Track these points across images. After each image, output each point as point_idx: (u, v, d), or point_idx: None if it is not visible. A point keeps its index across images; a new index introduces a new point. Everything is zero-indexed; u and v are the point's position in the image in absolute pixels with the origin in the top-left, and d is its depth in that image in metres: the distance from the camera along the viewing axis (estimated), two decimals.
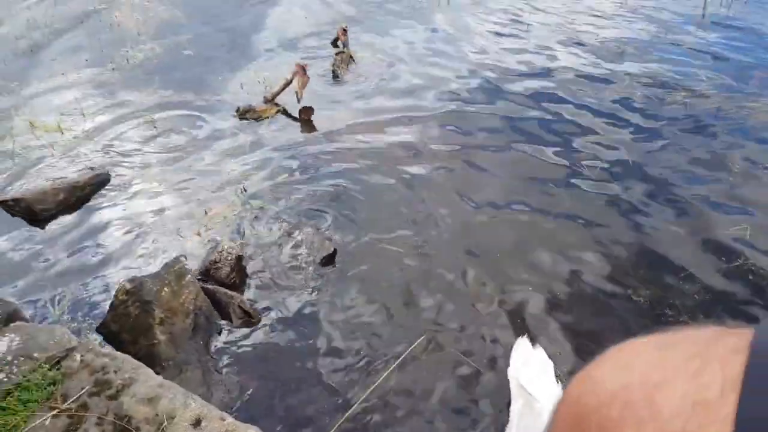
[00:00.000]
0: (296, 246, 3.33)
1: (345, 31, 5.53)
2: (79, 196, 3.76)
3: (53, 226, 3.61)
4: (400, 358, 2.69)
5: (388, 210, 3.63)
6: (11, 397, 2.02)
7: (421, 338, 2.77)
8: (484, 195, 3.71)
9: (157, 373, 2.25)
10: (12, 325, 2.33)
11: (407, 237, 3.39)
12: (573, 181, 3.80)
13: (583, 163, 3.95)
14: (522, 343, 2.49)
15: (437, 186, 3.81)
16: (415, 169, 3.97)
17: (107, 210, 3.71)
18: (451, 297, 3.01)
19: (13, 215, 3.66)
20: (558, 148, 4.11)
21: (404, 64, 5.34)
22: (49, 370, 2.13)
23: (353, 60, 5.34)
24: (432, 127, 4.44)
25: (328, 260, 3.25)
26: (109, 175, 3.99)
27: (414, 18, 6.28)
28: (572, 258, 3.21)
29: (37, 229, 3.58)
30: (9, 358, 2.16)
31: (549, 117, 4.48)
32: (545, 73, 5.10)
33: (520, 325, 2.82)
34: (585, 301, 2.97)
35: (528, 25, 6.03)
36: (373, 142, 4.28)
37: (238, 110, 4.69)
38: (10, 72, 5.50)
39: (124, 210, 3.71)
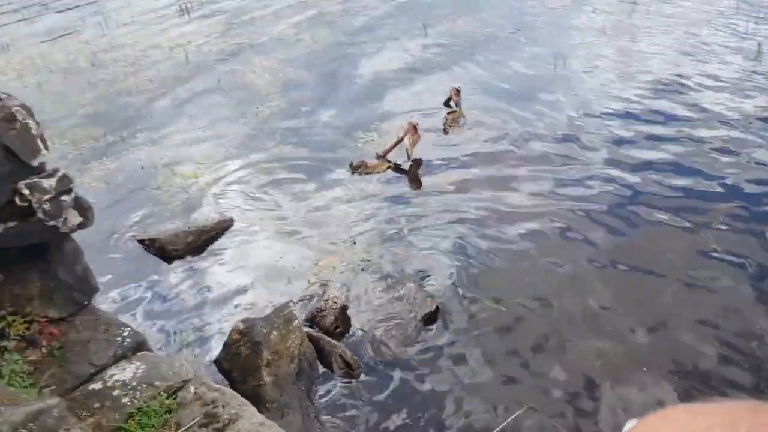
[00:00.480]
0: (399, 300, 3.37)
1: (458, 91, 5.67)
2: (205, 239, 4.11)
3: (181, 265, 3.95)
4: (497, 429, 2.59)
5: (493, 270, 3.59)
6: (132, 420, 2.20)
7: (522, 409, 2.67)
8: (599, 260, 3.56)
9: (261, 413, 2.35)
10: (139, 353, 2.56)
11: (512, 300, 3.32)
12: (711, 254, 3.54)
13: (719, 228, 3.69)
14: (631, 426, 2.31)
15: (546, 248, 3.72)
16: (521, 230, 3.91)
17: (228, 253, 4.00)
18: (556, 367, 2.88)
19: (149, 253, 4.07)
20: (687, 215, 3.88)
21: (515, 125, 5.35)
22: (167, 398, 2.30)
23: (464, 120, 5.45)
24: (542, 186, 4.38)
25: (430, 318, 3.25)
26: (233, 221, 4.32)
27: (530, 84, 6.30)
28: (698, 337, 2.96)
29: (167, 266, 3.93)
30: (134, 383, 2.36)
31: (677, 182, 4.28)
32: (674, 140, 4.89)
33: (630, 404, 2.63)
34: (702, 384, 2.72)
35: (645, 90, 5.83)
36: (481, 201, 4.28)
37: (351, 165, 4.93)
38: (158, 124, 6.20)
39: (244, 254, 3.99)
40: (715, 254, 3.50)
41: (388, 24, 8.99)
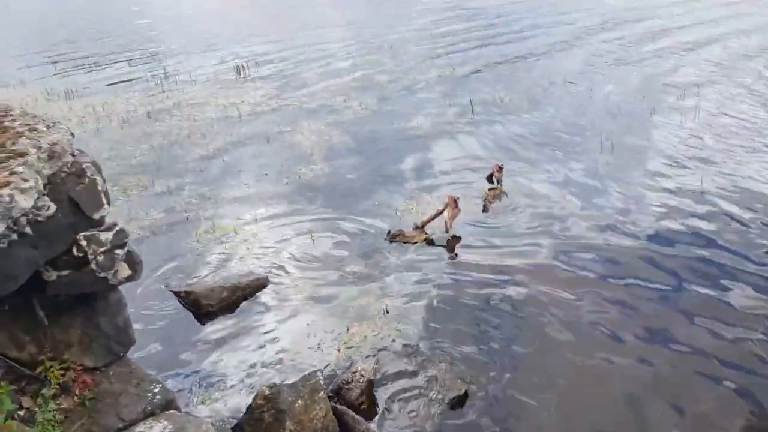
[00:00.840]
0: (428, 380, 3.31)
1: (500, 168, 5.74)
2: (239, 296, 4.15)
3: (212, 320, 3.98)
4: None
5: (528, 358, 3.50)
6: None
7: None
8: (641, 355, 3.45)
9: None
10: (167, 412, 2.55)
11: (545, 391, 3.22)
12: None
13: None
14: None
15: (585, 338, 3.63)
16: (558, 317, 3.83)
17: (261, 313, 4.03)
18: None
19: (183, 305, 4.13)
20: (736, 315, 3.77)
21: (557, 207, 5.35)
22: None
23: (506, 197, 5.48)
24: (581, 271, 4.32)
25: (458, 402, 3.17)
26: (268, 280, 4.36)
27: (573, 163, 6.34)
28: None
29: (199, 322, 3.97)
30: None
31: (724, 268, 4.21)
32: (717, 218, 4.85)
33: None
34: None
35: (697, 169, 5.80)
36: (518, 283, 4.24)
37: (389, 233, 4.97)
38: (206, 178, 6.42)
39: (276, 315, 4.00)
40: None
41: (435, 97, 9.27)
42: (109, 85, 11.12)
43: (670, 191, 5.54)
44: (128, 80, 11.42)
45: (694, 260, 4.39)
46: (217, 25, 20.56)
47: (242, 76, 11.22)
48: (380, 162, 6.72)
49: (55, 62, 13.94)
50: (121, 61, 13.80)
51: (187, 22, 21.57)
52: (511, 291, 4.15)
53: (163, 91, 10.28)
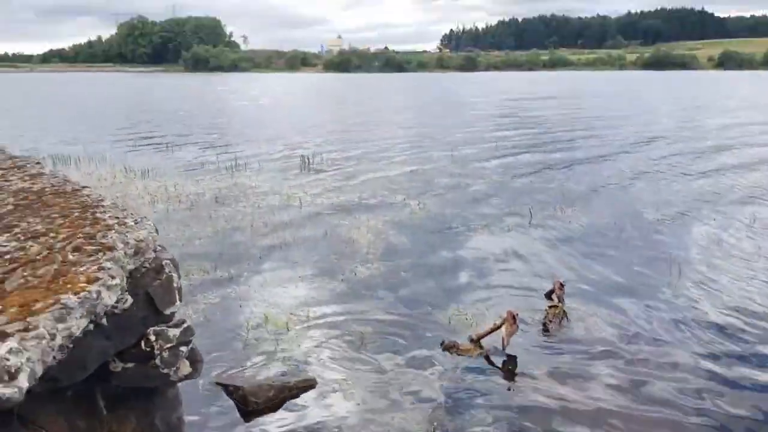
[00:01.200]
0: None
1: (562, 285, 5.57)
2: (285, 397, 4.05)
3: (257, 419, 3.87)
4: None
5: None
6: None
7: None
8: None
9: None
10: None
11: None
12: None
13: None
14: None
15: None
16: None
17: (305, 417, 3.89)
18: None
19: (228, 397, 4.05)
20: None
21: (622, 333, 5.07)
22: None
23: (566, 317, 5.27)
24: (649, 409, 4.01)
25: None
26: (316, 382, 4.25)
27: (639, 291, 6.07)
28: None
29: (244, 419, 3.86)
30: None
31: None
32: None
33: None
34: None
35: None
36: (579, 412, 3.97)
37: (442, 344, 4.82)
38: (263, 267, 6.52)
39: (320, 421, 3.85)
40: None
41: (494, 203, 9.33)
42: (182, 167, 11.79)
43: (743, 325, 5.21)
44: (200, 164, 12.08)
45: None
46: (289, 117, 21.83)
47: (307, 167, 11.69)
48: (436, 265, 6.68)
49: (135, 141, 14.99)
50: (195, 144, 14.71)
51: (260, 113, 23.01)
52: (570, 423, 3.87)
53: (232, 176, 10.79)
